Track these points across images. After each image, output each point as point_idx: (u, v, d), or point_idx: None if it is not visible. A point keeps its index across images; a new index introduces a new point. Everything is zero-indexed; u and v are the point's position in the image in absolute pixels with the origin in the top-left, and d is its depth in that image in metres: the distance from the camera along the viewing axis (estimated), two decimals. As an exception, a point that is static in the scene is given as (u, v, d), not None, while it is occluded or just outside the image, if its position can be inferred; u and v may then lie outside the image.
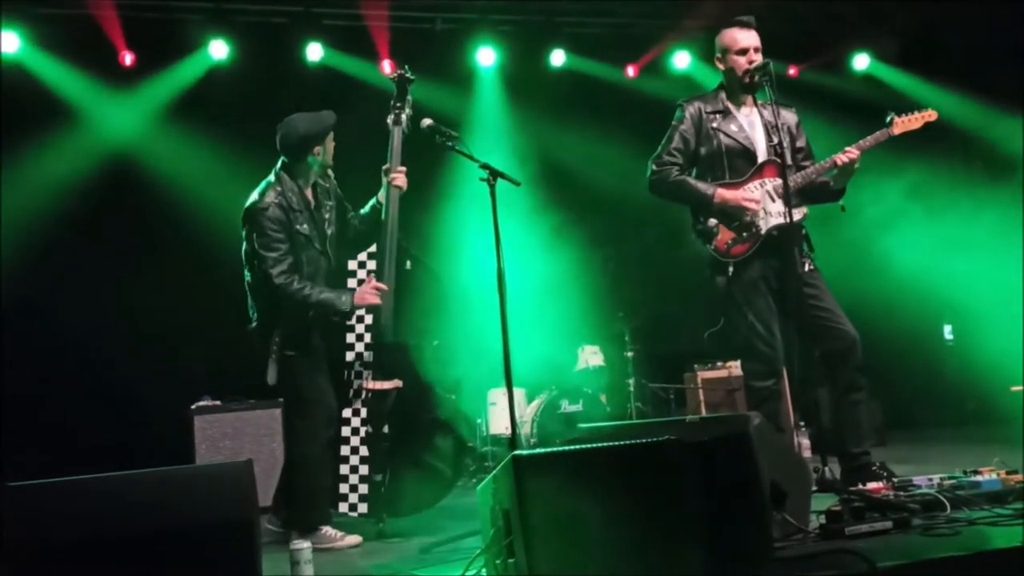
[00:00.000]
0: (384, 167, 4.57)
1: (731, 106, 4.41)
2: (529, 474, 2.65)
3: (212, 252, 6.08)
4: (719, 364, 6.88)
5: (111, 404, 6.19)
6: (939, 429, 7.44)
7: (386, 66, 7.30)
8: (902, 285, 6.72)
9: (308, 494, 4.29)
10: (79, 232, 6.51)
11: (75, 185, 6.56)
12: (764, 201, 4.27)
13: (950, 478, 3.66)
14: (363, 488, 4.39)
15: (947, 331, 8.19)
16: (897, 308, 6.96)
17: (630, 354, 6.94)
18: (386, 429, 4.44)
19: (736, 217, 4.28)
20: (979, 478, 3.57)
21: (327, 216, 4.50)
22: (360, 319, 4.46)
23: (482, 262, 4.32)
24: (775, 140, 4.22)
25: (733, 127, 4.37)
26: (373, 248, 4.54)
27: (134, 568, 2.55)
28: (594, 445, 2.95)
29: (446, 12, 7.65)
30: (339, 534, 4.25)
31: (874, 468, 4.11)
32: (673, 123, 4.44)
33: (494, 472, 2.88)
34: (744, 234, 4.27)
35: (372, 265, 4.53)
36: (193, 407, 5.80)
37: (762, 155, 4.34)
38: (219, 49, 7.06)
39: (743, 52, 4.34)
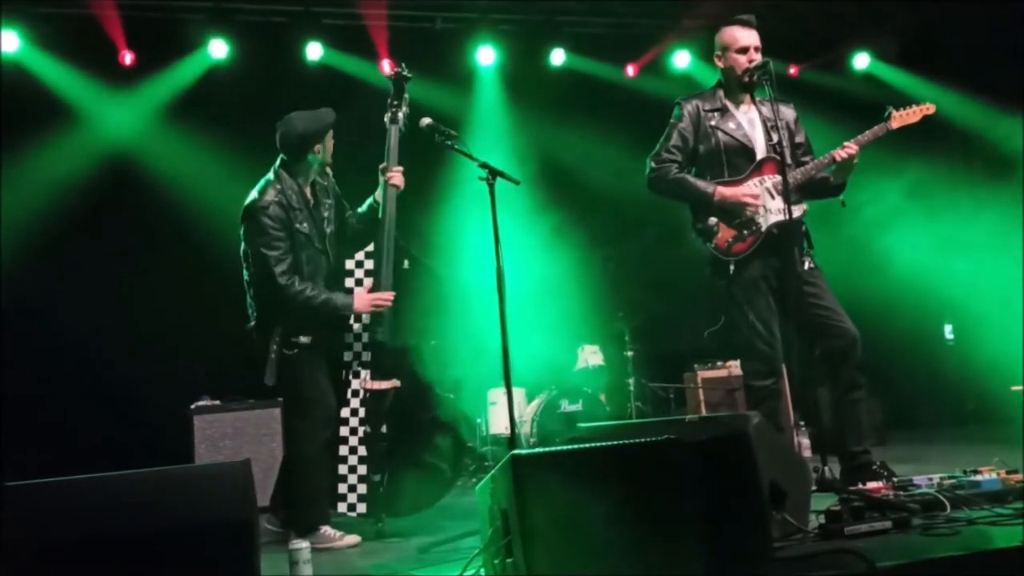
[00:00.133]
0: (381, 166, 4.56)
1: (729, 104, 4.41)
2: (527, 474, 2.64)
3: (212, 252, 6.07)
4: (719, 364, 6.88)
5: (111, 404, 6.19)
6: (939, 429, 7.44)
7: (386, 66, 7.29)
8: (902, 284, 6.71)
9: (307, 494, 4.29)
10: (79, 232, 6.50)
11: (75, 185, 6.56)
12: (764, 198, 4.27)
13: (950, 478, 3.66)
14: (362, 488, 4.38)
15: (947, 331, 8.19)
16: (897, 307, 6.95)
17: (630, 354, 6.94)
18: (384, 429, 4.44)
19: (736, 215, 4.27)
20: (979, 478, 3.58)
21: (326, 214, 4.50)
22: (358, 318, 4.45)
23: (482, 261, 4.31)
24: (775, 139, 4.22)
25: (731, 125, 4.36)
26: (371, 247, 4.53)
27: (133, 568, 2.55)
28: (592, 445, 2.95)
29: (446, 11, 7.65)
30: (338, 534, 4.25)
31: (874, 467, 4.11)
32: (671, 121, 4.43)
33: (492, 472, 2.88)
34: (744, 232, 4.27)
35: (370, 264, 4.52)
36: (192, 407, 5.80)
37: (761, 152, 4.33)
38: (219, 48, 7.07)
39: (743, 51, 4.34)
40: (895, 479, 3.90)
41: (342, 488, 4.39)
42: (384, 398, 4.45)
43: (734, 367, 6.64)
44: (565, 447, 2.88)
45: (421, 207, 6.38)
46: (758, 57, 4.32)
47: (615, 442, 2.98)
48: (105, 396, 6.19)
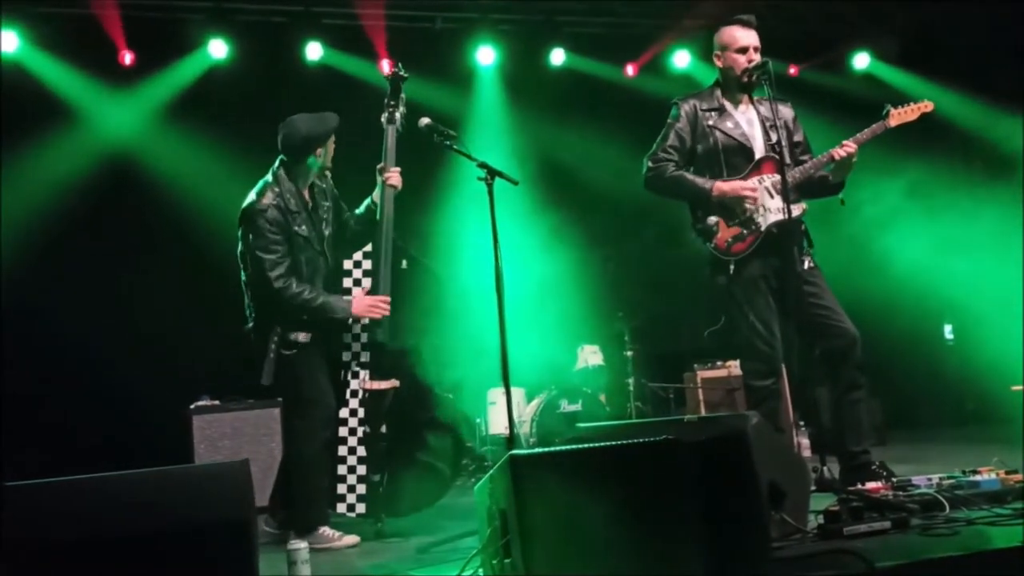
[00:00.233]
0: (379, 166, 4.56)
1: (727, 103, 4.40)
2: (526, 474, 2.64)
3: (212, 252, 6.06)
4: (718, 364, 6.88)
5: (111, 404, 6.19)
6: (939, 429, 7.44)
7: (385, 66, 7.28)
8: (902, 284, 6.71)
9: (306, 494, 4.29)
10: (79, 232, 6.50)
11: (75, 184, 6.56)
12: (763, 197, 4.26)
13: (949, 478, 3.65)
14: (361, 488, 4.38)
15: (947, 330, 8.19)
16: (897, 307, 6.95)
17: (630, 353, 6.94)
18: (384, 429, 4.44)
19: (736, 212, 4.27)
20: (978, 478, 3.57)
21: (324, 216, 4.49)
22: (357, 319, 4.45)
23: (481, 262, 4.31)
24: (773, 138, 4.22)
25: (729, 124, 4.36)
26: (368, 248, 4.53)
27: (132, 568, 2.55)
28: (591, 445, 2.95)
29: (446, 11, 7.65)
30: (337, 534, 4.25)
31: (874, 467, 4.11)
32: (669, 121, 4.43)
33: (491, 472, 2.88)
34: (744, 232, 4.27)
35: (368, 265, 4.52)
36: (192, 407, 5.79)
37: (759, 152, 4.33)
38: (219, 48, 7.06)
39: (743, 51, 4.33)
40: (894, 479, 3.90)
41: (341, 488, 4.39)
42: (383, 398, 4.45)
43: (734, 367, 6.64)
44: (564, 447, 2.88)
45: (420, 207, 6.37)
46: (757, 57, 4.32)
47: (614, 442, 2.98)
48: (105, 396, 6.20)
